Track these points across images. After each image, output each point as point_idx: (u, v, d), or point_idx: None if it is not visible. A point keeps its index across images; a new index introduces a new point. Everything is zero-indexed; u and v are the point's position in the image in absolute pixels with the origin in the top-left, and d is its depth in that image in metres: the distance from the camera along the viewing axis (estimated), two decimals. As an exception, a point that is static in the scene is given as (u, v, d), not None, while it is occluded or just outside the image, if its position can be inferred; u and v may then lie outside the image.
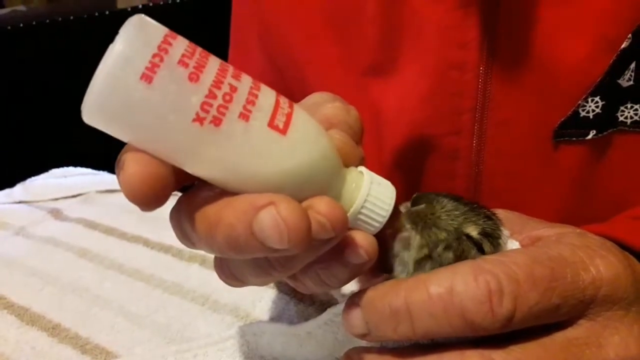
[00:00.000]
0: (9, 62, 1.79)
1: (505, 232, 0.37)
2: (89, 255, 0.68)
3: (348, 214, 0.32)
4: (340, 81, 0.58)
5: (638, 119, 0.49)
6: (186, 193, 0.32)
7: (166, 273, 0.63)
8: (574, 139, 0.51)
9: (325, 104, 0.36)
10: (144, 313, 0.57)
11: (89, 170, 0.95)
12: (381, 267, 0.38)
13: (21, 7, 2.12)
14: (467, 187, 0.55)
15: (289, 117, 0.30)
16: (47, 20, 1.87)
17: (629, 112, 0.49)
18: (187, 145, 0.27)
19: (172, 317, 0.56)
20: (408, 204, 0.38)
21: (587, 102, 0.49)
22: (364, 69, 0.57)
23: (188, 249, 0.64)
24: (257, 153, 0.29)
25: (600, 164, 0.52)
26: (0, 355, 0.53)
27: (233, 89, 0.28)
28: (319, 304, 0.54)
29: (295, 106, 0.31)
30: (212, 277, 0.59)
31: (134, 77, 0.26)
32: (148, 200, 0.27)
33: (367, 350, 0.35)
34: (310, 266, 0.32)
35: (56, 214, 0.80)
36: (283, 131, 0.29)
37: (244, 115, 0.28)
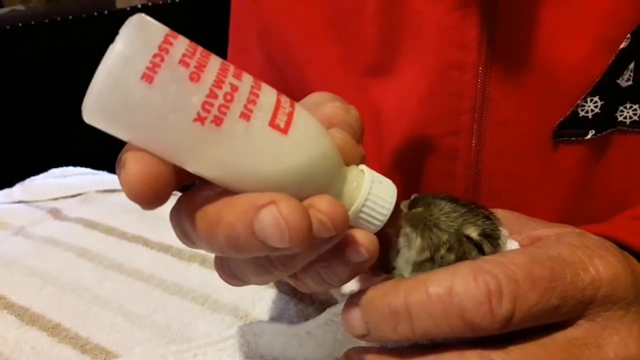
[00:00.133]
0: (8, 62, 1.79)
1: (504, 232, 0.37)
2: (89, 255, 0.68)
3: (349, 213, 0.32)
4: (339, 81, 0.58)
5: (637, 119, 0.49)
6: (186, 192, 0.32)
7: (166, 273, 0.63)
8: (573, 139, 0.51)
9: (325, 103, 0.36)
10: (143, 313, 0.57)
11: (89, 170, 0.94)
12: (381, 266, 0.38)
13: (20, 7, 2.12)
14: (467, 187, 0.55)
15: (290, 116, 0.30)
16: (46, 20, 1.87)
17: (628, 112, 0.49)
18: (188, 145, 0.27)
19: (172, 317, 0.56)
20: (407, 203, 0.38)
21: (586, 102, 0.49)
22: (364, 68, 0.57)
23: (188, 249, 0.64)
24: (258, 152, 0.29)
25: (599, 164, 0.52)
26: (0, 355, 0.53)
27: (234, 88, 0.28)
28: (318, 304, 0.54)
29: (297, 105, 0.31)
30: (212, 277, 0.60)
31: (135, 77, 0.26)
32: (149, 199, 0.27)
33: (367, 350, 0.36)
34: (311, 265, 0.32)
35: (56, 213, 0.80)
36: (284, 130, 0.29)
37: (245, 115, 0.28)
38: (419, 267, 0.36)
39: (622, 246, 0.37)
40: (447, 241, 0.35)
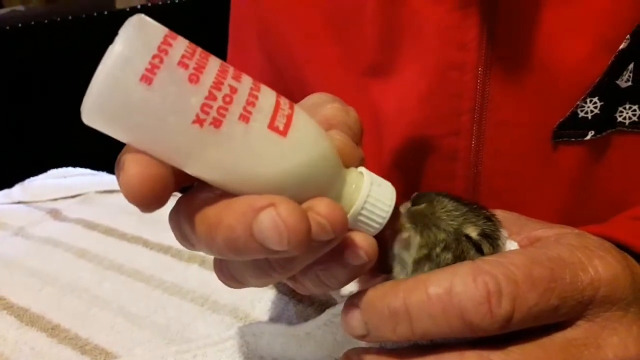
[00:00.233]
0: (7, 62, 1.79)
1: (504, 233, 0.37)
2: (88, 255, 0.68)
3: (348, 215, 0.32)
4: (339, 81, 0.58)
5: (636, 120, 0.49)
6: (185, 194, 0.32)
7: (166, 274, 0.63)
8: (573, 139, 0.51)
9: (324, 104, 0.36)
10: (143, 314, 0.57)
11: (88, 171, 0.94)
12: (380, 267, 0.38)
13: (20, 7, 2.12)
14: (466, 188, 0.55)
15: (289, 118, 0.30)
16: (46, 21, 1.87)
17: (627, 113, 0.49)
18: (187, 146, 0.27)
19: (171, 317, 0.56)
20: (408, 204, 0.38)
21: (586, 102, 0.49)
22: (364, 69, 0.57)
23: (188, 250, 0.64)
24: (257, 155, 0.29)
25: (599, 164, 0.52)
26: (0, 356, 0.53)
27: (233, 90, 0.28)
28: (318, 305, 0.54)
29: (296, 107, 0.31)
30: (212, 277, 0.59)
31: (134, 79, 0.26)
32: (148, 201, 0.27)
33: (366, 351, 0.35)
34: (310, 267, 0.32)
35: (55, 214, 0.80)
36: (283, 132, 0.29)
37: (244, 117, 0.28)
38: (418, 266, 0.36)
39: (622, 247, 0.37)
40: (444, 239, 0.35)
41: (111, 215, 0.77)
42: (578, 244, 0.35)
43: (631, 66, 0.48)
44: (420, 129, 0.55)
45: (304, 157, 0.30)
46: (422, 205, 0.37)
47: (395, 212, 0.34)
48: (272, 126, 0.29)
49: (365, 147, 0.37)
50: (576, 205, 0.54)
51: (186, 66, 0.27)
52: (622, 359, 0.33)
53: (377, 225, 0.33)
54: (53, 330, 0.56)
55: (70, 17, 1.88)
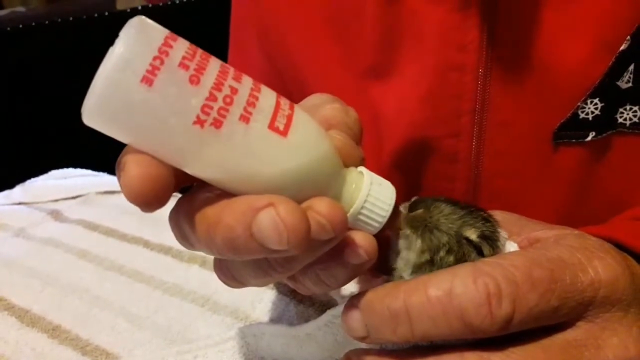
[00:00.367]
0: (8, 63, 1.79)
1: (503, 234, 0.37)
2: (89, 256, 0.68)
3: (348, 215, 0.32)
4: (339, 82, 0.58)
5: (637, 121, 0.49)
6: (185, 195, 0.32)
7: (166, 274, 0.63)
8: (574, 140, 0.51)
9: (324, 105, 0.36)
10: (144, 314, 0.57)
11: (89, 172, 0.94)
12: (380, 268, 0.38)
13: (20, 8, 2.12)
14: (467, 189, 0.55)
15: (289, 118, 0.30)
16: (46, 22, 1.87)
17: (627, 114, 0.49)
18: (188, 147, 0.28)
19: (172, 318, 0.56)
20: (407, 204, 0.38)
21: (587, 103, 0.49)
22: (364, 70, 0.57)
23: (188, 251, 0.64)
24: (258, 155, 0.29)
25: (599, 165, 0.52)
26: (1, 357, 0.53)
27: (234, 91, 0.28)
28: (318, 306, 0.54)
29: (296, 107, 0.31)
30: (212, 278, 0.59)
31: (135, 80, 0.26)
32: (149, 201, 0.27)
33: (367, 352, 0.36)
34: (310, 267, 0.32)
35: (56, 215, 0.80)
36: (284, 133, 0.29)
37: (245, 118, 0.28)
38: (419, 268, 0.36)
39: (622, 247, 0.37)
40: (446, 243, 0.35)
41: (112, 216, 0.77)
42: (578, 245, 0.35)
43: (632, 67, 0.48)
44: (421, 130, 0.55)
45: (304, 157, 0.30)
46: (420, 211, 0.37)
47: (395, 211, 0.34)
48: (272, 126, 0.29)
49: (365, 148, 0.37)
50: (576, 206, 0.54)
51: (187, 67, 0.27)
52: (622, 359, 0.33)
53: (377, 225, 0.33)
54: (54, 331, 0.56)
55: (70, 18, 1.88)
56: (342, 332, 0.39)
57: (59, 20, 1.86)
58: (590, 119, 0.50)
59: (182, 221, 0.31)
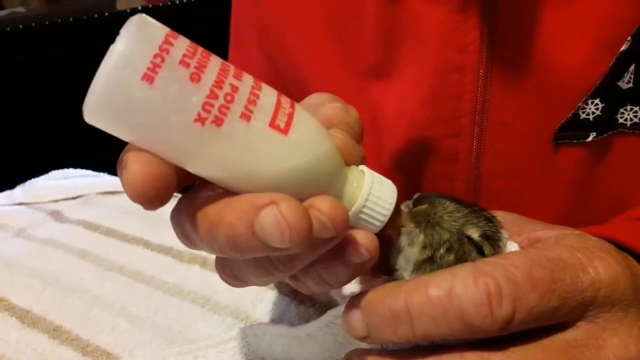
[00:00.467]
0: (8, 63, 1.79)
1: (504, 234, 0.37)
2: (90, 256, 0.68)
3: (349, 213, 0.32)
4: (339, 83, 0.58)
5: (637, 121, 0.49)
6: (187, 193, 0.32)
7: (167, 275, 0.63)
8: (574, 141, 0.51)
9: (324, 104, 0.36)
10: (144, 315, 0.57)
11: (89, 172, 0.94)
12: (382, 268, 0.38)
13: (20, 9, 2.12)
14: (467, 189, 0.55)
15: (290, 116, 0.30)
16: (47, 22, 1.87)
17: (628, 115, 0.50)
18: (189, 145, 0.28)
19: (172, 318, 0.56)
20: (409, 202, 0.38)
21: (587, 104, 0.49)
22: (364, 70, 0.57)
23: (188, 251, 0.65)
24: (259, 153, 0.29)
25: (600, 165, 0.52)
26: (2, 357, 0.53)
27: (234, 88, 0.28)
28: (319, 306, 0.54)
29: (297, 106, 0.31)
30: (213, 278, 0.60)
31: (136, 78, 0.26)
32: (151, 199, 0.27)
33: (368, 352, 0.36)
34: (312, 265, 0.32)
35: (56, 215, 0.80)
36: (284, 131, 0.29)
37: (246, 116, 0.28)
38: (420, 267, 0.36)
39: (622, 247, 0.37)
40: (447, 240, 0.35)
41: (112, 217, 0.77)
42: (578, 245, 0.35)
43: (632, 68, 0.48)
44: (421, 131, 0.55)
45: (305, 155, 0.30)
46: (424, 206, 0.37)
47: (397, 209, 0.34)
48: (273, 124, 0.29)
49: (365, 149, 0.37)
50: (576, 206, 0.54)
51: (187, 65, 0.27)
52: (622, 359, 0.33)
53: (378, 223, 0.33)
54: (54, 332, 0.56)
55: (70, 19, 1.88)
56: (343, 332, 0.39)
57: (59, 20, 1.86)
58: (591, 119, 0.50)
59: (183, 220, 0.31)
